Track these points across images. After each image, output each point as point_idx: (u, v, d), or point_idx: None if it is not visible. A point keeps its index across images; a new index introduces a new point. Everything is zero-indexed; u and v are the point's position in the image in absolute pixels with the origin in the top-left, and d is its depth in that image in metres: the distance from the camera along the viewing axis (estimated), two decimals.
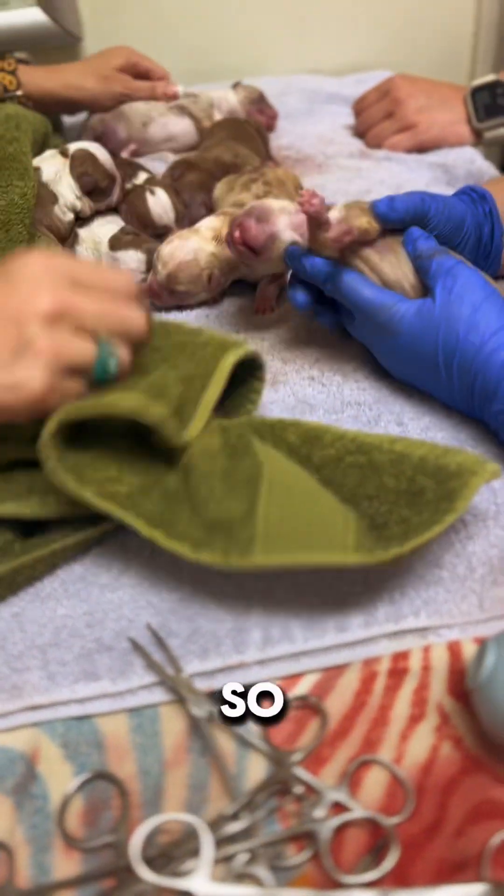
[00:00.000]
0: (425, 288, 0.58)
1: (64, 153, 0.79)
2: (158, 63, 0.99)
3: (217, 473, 0.47)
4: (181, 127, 1.00)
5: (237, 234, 0.61)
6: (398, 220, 0.59)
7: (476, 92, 0.95)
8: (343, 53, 1.22)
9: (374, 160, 0.95)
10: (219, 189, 0.80)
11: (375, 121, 0.99)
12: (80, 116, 1.04)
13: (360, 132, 1.02)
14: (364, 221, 0.57)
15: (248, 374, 0.56)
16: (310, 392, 0.62)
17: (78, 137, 0.99)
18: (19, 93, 0.90)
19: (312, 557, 0.43)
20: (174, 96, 0.97)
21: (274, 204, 0.62)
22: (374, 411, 0.59)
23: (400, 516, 0.46)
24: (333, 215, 0.58)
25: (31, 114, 0.82)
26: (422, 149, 0.96)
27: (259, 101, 1.00)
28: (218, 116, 1.00)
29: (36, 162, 0.77)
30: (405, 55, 1.24)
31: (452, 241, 0.65)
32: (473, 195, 0.67)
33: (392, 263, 0.59)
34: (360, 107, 1.03)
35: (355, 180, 0.91)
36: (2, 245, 0.68)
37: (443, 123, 0.95)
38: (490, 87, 0.94)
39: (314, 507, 0.46)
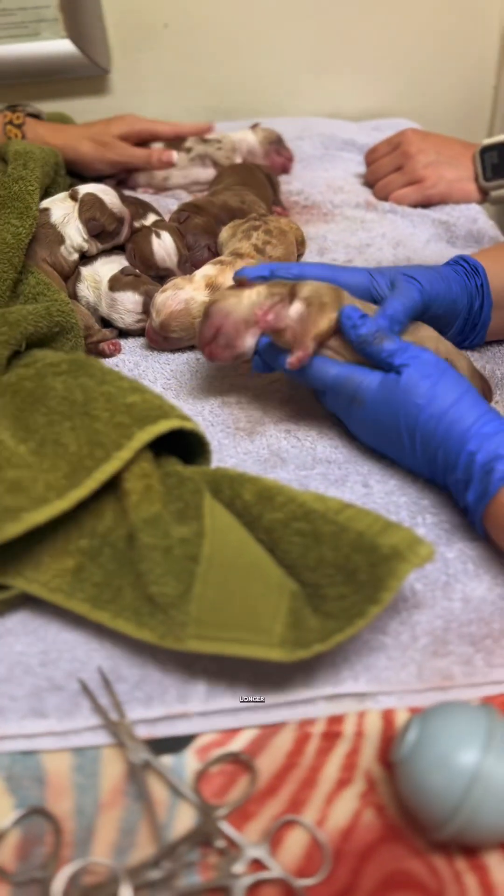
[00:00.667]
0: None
1: (73, 196, 0.81)
2: (169, 123, 1.04)
3: (159, 548, 0.49)
4: (204, 174, 1.03)
5: (207, 355, 0.65)
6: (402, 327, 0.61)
7: (485, 151, 0.97)
8: (363, 99, 1.25)
9: (380, 212, 0.97)
10: (224, 233, 0.83)
11: (384, 173, 1.01)
12: None
13: (370, 182, 1.04)
14: (324, 324, 0.59)
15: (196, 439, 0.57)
16: (284, 445, 0.64)
17: None
18: None
19: (238, 650, 0.45)
20: (169, 164, 1.01)
21: (238, 317, 0.63)
22: (342, 471, 0.61)
23: (338, 592, 0.48)
24: (296, 310, 0.60)
25: (40, 148, 0.85)
26: (427, 203, 0.98)
27: (277, 143, 1.04)
28: (238, 158, 1.03)
29: (46, 203, 0.80)
30: (425, 104, 1.26)
31: (446, 317, 0.67)
32: (466, 267, 0.69)
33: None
34: (371, 158, 1.06)
35: (358, 232, 0.93)
36: None
37: (450, 180, 0.97)
38: (500, 147, 0.96)
39: (248, 588, 0.47)
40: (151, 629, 0.47)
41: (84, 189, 0.81)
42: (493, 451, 0.51)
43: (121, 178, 1.04)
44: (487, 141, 0.98)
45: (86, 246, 0.79)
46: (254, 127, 1.06)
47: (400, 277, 0.64)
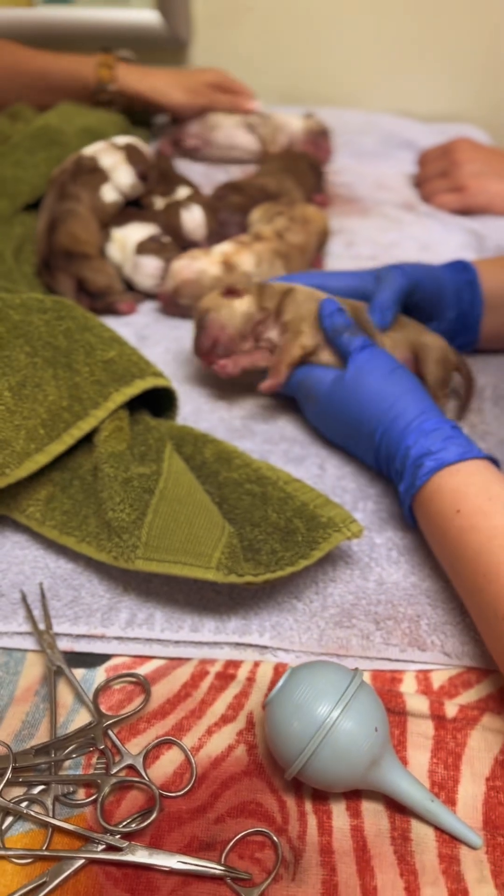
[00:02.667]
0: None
1: (115, 146, 0.87)
2: (247, 85, 1.07)
3: (119, 479, 0.54)
4: (245, 140, 1.09)
5: (206, 365, 0.68)
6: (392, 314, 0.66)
7: None
8: (434, 101, 1.26)
9: (417, 214, 0.99)
10: (255, 213, 0.87)
11: (431, 176, 1.03)
12: None
13: (418, 183, 1.06)
14: (296, 352, 0.64)
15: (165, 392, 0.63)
16: (257, 419, 0.69)
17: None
18: (112, 88, 1.00)
19: (178, 570, 0.50)
20: (251, 111, 1.06)
21: (234, 331, 0.66)
22: (303, 451, 0.65)
23: (272, 548, 0.53)
24: (275, 335, 0.66)
25: (109, 117, 0.93)
26: (467, 212, 1.00)
27: (319, 135, 1.06)
28: (281, 138, 1.07)
29: (90, 152, 0.86)
30: (496, 112, 1.26)
31: (434, 307, 0.70)
32: (457, 265, 0.72)
33: (329, 356, 0.65)
34: (422, 160, 1.08)
35: (389, 232, 0.95)
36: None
37: (493, 192, 0.99)
38: None
39: (194, 521, 0.53)
40: (108, 552, 0.53)
41: (122, 140, 0.88)
42: (426, 447, 0.54)
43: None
44: None
45: (128, 189, 0.86)
46: (307, 116, 1.09)
47: (384, 269, 0.68)
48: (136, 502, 0.53)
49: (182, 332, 0.79)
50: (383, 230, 0.96)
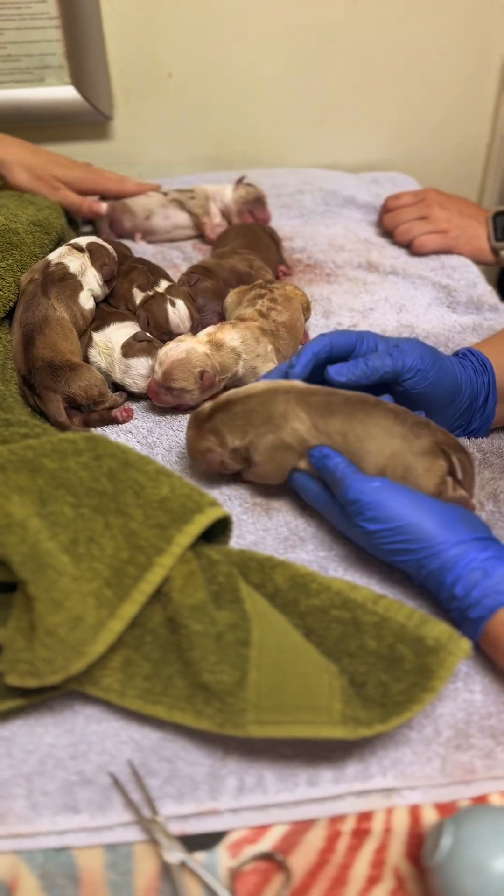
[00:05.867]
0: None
1: (78, 248, 0.83)
2: (117, 178, 1.05)
3: (210, 635, 0.50)
4: (182, 218, 1.05)
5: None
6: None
7: (498, 215, 1.05)
8: (360, 152, 1.27)
9: (381, 274, 0.99)
10: (229, 298, 0.84)
11: (408, 219, 1.06)
12: None
13: (388, 227, 1.08)
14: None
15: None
16: (301, 523, 0.65)
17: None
18: None
19: (301, 731, 0.46)
20: (98, 214, 1.03)
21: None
22: (361, 554, 0.62)
23: (378, 679, 0.50)
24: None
25: (44, 202, 0.92)
26: (449, 251, 1.04)
27: (254, 203, 1.04)
28: (214, 209, 1.04)
29: (56, 258, 0.82)
30: (419, 159, 1.29)
31: (442, 402, 0.69)
32: (475, 362, 0.71)
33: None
34: (393, 204, 1.08)
35: (361, 295, 0.95)
36: None
37: (469, 235, 1.04)
38: None
39: (300, 669, 0.49)
40: (209, 718, 0.48)
41: (85, 240, 0.85)
42: (471, 584, 0.53)
43: (108, 220, 1.05)
44: (500, 207, 1.05)
45: (99, 291, 0.83)
46: (238, 182, 1.06)
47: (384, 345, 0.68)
48: (234, 659, 0.49)
49: None
50: (354, 294, 0.95)
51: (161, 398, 0.76)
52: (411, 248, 1.04)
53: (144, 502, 0.54)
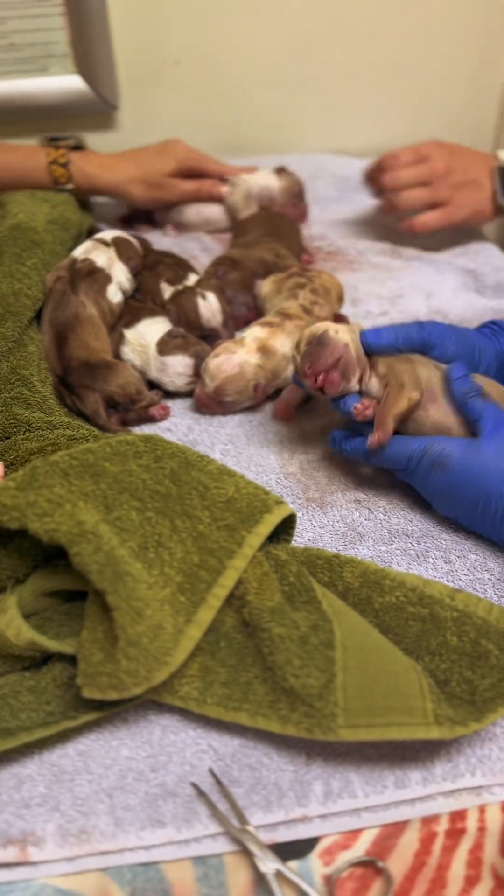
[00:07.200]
0: (469, 426, 0.61)
1: (104, 242, 0.81)
2: (216, 161, 1.02)
3: (293, 638, 0.48)
4: (214, 213, 1.03)
5: (320, 381, 0.62)
6: (385, 347, 0.64)
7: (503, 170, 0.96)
8: (369, 136, 1.25)
9: (405, 260, 0.98)
10: (266, 287, 0.83)
11: (407, 184, 0.94)
12: None
13: (386, 188, 0.96)
14: (404, 405, 0.61)
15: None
16: (357, 518, 0.64)
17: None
18: (70, 186, 0.93)
19: (396, 734, 0.45)
20: (219, 197, 1.00)
21: (354, 353, 0.63)
22: (421, 545, 0.61)
23: (462, 676, 0.49)
24: (373, 387, 0.63)
25: (61, 199, 0.90)
26: (451, 227, 0.96)
27: (297, 196, 1.02)
28: (251, 202, 1.01)
29: (81, 254, 0.80)
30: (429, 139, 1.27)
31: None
32: (495, 328, 0.70)
33: (438, 412, 0.62)
34: (391, 163, 0.96)
35: (388, 282, 0.93)
36: None
37: (473, 203, 0.95)
38: None
39: (389, 669, 0.47)
40: (296, 724, 0.46)
41: (110, 234, 0.84)
42: None
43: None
44: None
45: (127, 285, 0.81)
46: (279, 171, 1.03)
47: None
48: (320, 662, 0.47)
49: (231, 430, 0.73)
50: (380, 282, 0.93)
51: (211, 409, 0.74)
52: (410, 228, 0.95)
53: (210, 503, 0.53)
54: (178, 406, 0.77)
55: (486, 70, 1.23)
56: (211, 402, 0.73)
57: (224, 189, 1.00)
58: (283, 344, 0.74)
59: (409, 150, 0.96)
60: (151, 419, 0.74)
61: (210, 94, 1.17)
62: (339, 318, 0.64)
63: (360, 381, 0.63)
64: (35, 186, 0.93)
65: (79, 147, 1.00)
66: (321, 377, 0.61)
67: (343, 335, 0.63)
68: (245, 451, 0.71)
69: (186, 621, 0.48)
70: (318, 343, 0.62)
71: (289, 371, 0.74)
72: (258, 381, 0.73)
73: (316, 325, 0.64)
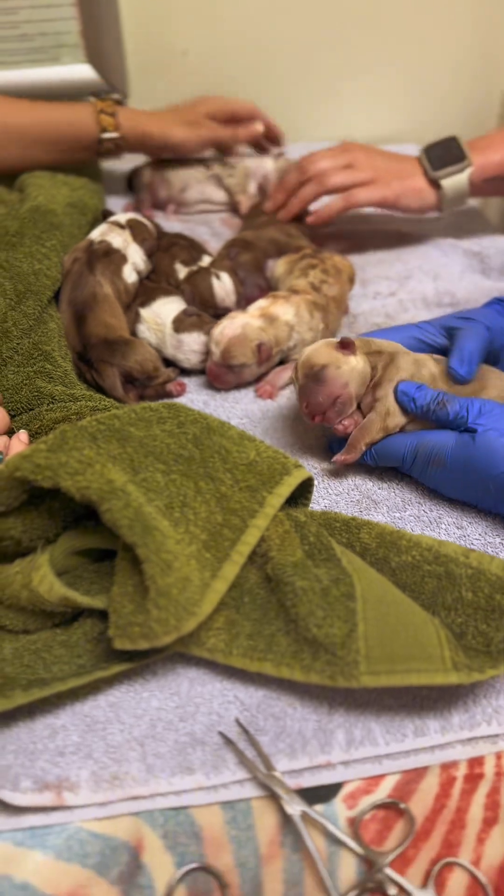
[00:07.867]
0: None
1: (119, 225, 0.83)
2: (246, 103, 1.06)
3: (315, 590, 0.50)
4: (216, 194, 1.07)
5: (317, 420, 0.64)
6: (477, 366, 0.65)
7: (429, 149, 0.96)
8: (374, 124, 1.27)
9: (410, 243, 1.00)
10: (280, 268, 0.85)
11: (330, 169, 0.94)
12: (115, 167, 1.11)
13: (306, 169, 0.95)
14: (378, 434, 0.63)
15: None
16: (371, 486, 0.66)
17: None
18: (116, 134, 0.96)
19: (415, 679, 0.47)
20: (255, 133, 1.04)
21: (354, 390, 0.63)
22: (434, 512, 0.63)
23: (477, 629, 0.51)
24: (366, 405, 0.65)
25: (77, 183, 0.92)
26: (385, 205, 0.95)
27: None
28: (252, 184, 1.05)
29: (97, 236, 0.82)
30: (433, 130, 1.28)
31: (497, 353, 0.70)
32: (500, 307, 0.72)
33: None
34: (308, 159, 0.97)
35: (395, 264, 0.95)
36: (15, 317, 0.72)
37: (402, 181, 0.94)
38: (444, 143, 0.96)
39: (408, 621, 0.49)
40: (319, 672, 0.48)
41: (124, 217, 0.86)
42: None
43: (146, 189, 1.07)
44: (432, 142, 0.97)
45: (142, 266, 0.83)
46: (277, 156, 1.08)
47: (458, 322, 0.67)
48: (342, 613, 0.49)
49: (247, 405, 0.75)
50: (389, 264, 0.95)
51: (223, 379, 0.76)
52: (343, 200, 0.92)
53: (232, 466, 0.55)
54: (193, 383, 0.79)
55: (490, 59, 1.25)
56: (221, 371, 0.75)
57: (259, 126, 1.04)
58: (286, 311, 0.76)
59: (328, 149, 0.98)
60: (168, 395, 0.76)
61: (217, 83, 1.19)
62: (345, 346, 0.63)
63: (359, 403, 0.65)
64: (82, 137, 0.96)
65: (120, 102, 1.03)
66: (318, 417, 0.63)
67: (345, 370, 0.62)
68: (260, 424, 0.73)
69: (212, 576, 0.50)
70: (316, 380, 0.62)
71: (292, 340, 0.76)
72: (261, 340, 0.74)
73: (316, 351, 0.63)
